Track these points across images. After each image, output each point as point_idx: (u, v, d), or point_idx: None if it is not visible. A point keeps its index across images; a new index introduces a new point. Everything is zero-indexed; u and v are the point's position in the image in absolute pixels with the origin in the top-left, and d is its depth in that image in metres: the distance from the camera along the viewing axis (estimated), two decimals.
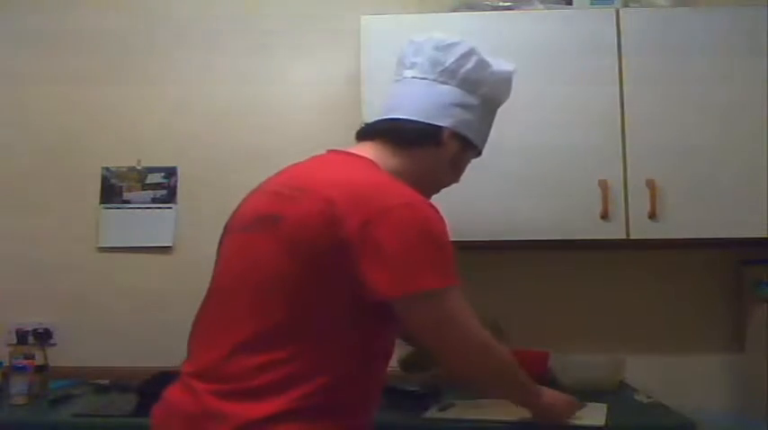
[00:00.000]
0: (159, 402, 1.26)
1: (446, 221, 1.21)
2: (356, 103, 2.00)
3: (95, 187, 2.37)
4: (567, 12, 2.11)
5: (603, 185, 1.93)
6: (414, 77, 1.38)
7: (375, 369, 1.24)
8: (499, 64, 1.41)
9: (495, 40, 1.97)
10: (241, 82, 2.41)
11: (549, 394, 1.46)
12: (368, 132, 1.38)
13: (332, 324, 1.17)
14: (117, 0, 2.46)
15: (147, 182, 2.37)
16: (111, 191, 2.37)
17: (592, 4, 2.12)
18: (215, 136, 2.39)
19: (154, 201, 2.37)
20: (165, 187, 2.37)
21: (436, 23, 2.05)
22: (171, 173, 2.38)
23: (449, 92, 1.35)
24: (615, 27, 1.99)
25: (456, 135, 1.35)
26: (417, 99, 1.36)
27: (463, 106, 1.35)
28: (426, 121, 1.33)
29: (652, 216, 1.92)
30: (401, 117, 1.34)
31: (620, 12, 2.01)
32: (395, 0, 2.29)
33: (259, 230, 1.22)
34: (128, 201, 2.37)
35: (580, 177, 1.95)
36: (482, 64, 1.37)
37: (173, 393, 1.24)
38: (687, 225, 1.94)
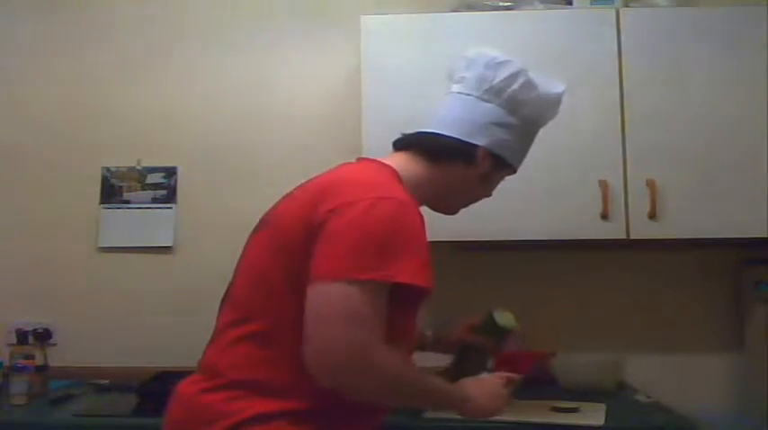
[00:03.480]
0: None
1: (422, 223, 1.19)
2: (356, 102, 2.00)
3: (95, 187, 2.37)
4: (566, 12, 2.11)
5: (603, 185, 1.93)
6: (459, 93, 1.38)
7: None
8: (547, 85, 1.39)
9: (495, 40, 1.97)
10: (241, 82, 2.41)
11: (474, 393, 1.31)
12: (403, 143, 1.39)
13: None
14: (116, 1, 2.46)
15: (147, 182, 2.37)
16: (111, 191, 2.37)
17: (592, 4, 2.12)
18: (215, 136, 2.39)
19: (154, 201, 2.37)
20: (165, 187, 2.37)
21: (436, 23, 2.05)
22: (171, 173, 2.38)
23: (490, 110, 1.35)
24: (615, 27, 1.99)
25: (490, 154, 1.35)
26: (457, 115, 1.36)
27: (502, 125, 1.35)
28: (462, 138, 1.34)
29: (652, 216, 1.92)
30: (438, 132, 1.36)
31: (620, 12, 2.01)
32: (395, 0, 2.29)
33: (262, 229, 1.29)
34: (128, 201, 2.37)
35: (580, 177, 1.95)
36: (529, 85, 1.36)
37: (181, 383, 1.26)
38: (687, 225, 1.94)
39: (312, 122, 2.37)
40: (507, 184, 1.96)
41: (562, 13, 2.09)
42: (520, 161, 1.44)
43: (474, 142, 1.34)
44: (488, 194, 1.47)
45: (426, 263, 1.16)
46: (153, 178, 2.38)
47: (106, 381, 2.15)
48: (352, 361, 1.08)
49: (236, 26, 2.43)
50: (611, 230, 1.94)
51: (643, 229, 1.93)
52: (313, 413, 1.14)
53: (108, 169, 2.38)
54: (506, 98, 1.35)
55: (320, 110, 2.37)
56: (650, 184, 1.93)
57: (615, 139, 1.96)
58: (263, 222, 1.31)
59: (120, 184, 2.37)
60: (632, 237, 1.94)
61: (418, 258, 1.14)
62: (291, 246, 1.17)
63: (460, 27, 2.02)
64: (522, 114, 1.36)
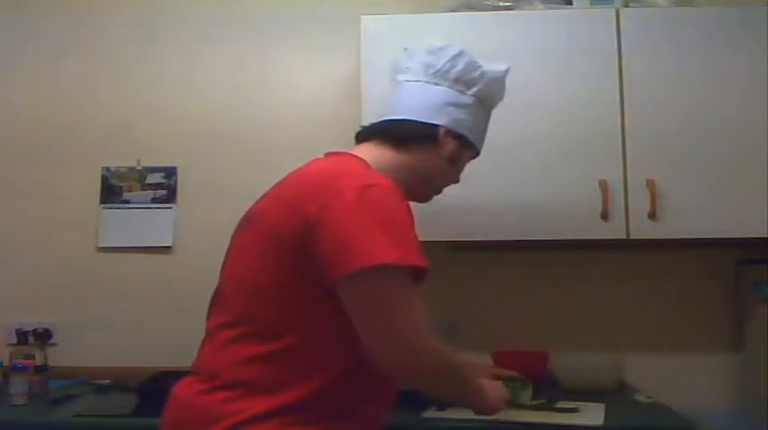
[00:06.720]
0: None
1: (409, 206, 1.19)
2: (356, 102, 2.00)
3: (95, 187, 2.37)
4: (567, 12, 2.11)
5: (603, 185, 1.93)
6: (408, 81, 1.42)
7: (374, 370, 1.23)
8: (490, 65, 1.44)
9: (495, 40, 1.99)
10: (241, 82, 2.41)
11: (490, 389, 1.38)
12: (366, 134, 1.40)
13: (317, 319, 1.17)
14: (117, 1, 2.46)
15: (147, 182, 2.37)
16: (111, 191, 2.37)
17: (592, 4, 2.12)
18: (215, 136, 2.39)
19: (154, 201, 2.37)
20: (165, 187, 2.37)
21: (436, 23, 2.05)
22: (171, 173, 2.38)
23: (442, 92, 1.38)
24: (615, 27, 1.99)
25: (452, 133, 1.37)
26: (413, 100, 1.39)
27: (457, 105, 1.38)
28: (422, 120, 1.36)
29: (652, 216, 1.92)
30: (398, 118, 1.37)
31: (620, 12, 2.01)
32: (395, 0, 2.29)
33: (245, 229, 1.29)
34: (128, 201, 2.37)
35: (580, 177, 1.95)
36: (472, 64, 1.40)
37: (178, 385, 1.26)
38: (687, 225, 1.93)
39: (312, 122, 2.37)
40: (507, 184, 1.97)
41: (562, 13, 2.09)
42: (481, 142, 1.46)
43: (434, 122, 1.36)
44: (456, 179, 1.47)
45: (418, 244, 1.16)
46: (153, 178, 2.38)
47: (106, 381, 2.15)
48: (418, 346, 1.12)
49: (235, 26, 2.43)
50: (611, 230, 1.94)
51: (643, 229, 1.93)
52: (312, 410, 1.14)
53: (108, 169, 2.38)
54: (453, 78, 1.39)
55: (320, 110, 2.37)
56: (650, 184, 1.92)
57: (615, 139, 1.96)
58: (246, 222, 1.31)
59: (120, 184, 2.37)
60: (632, 237, 1.94)
61: (415, 240, 1.15)
62: (287, 244, 1.16)
63: (460, 27, 2.02)
64: (473, 92, 1.40)
